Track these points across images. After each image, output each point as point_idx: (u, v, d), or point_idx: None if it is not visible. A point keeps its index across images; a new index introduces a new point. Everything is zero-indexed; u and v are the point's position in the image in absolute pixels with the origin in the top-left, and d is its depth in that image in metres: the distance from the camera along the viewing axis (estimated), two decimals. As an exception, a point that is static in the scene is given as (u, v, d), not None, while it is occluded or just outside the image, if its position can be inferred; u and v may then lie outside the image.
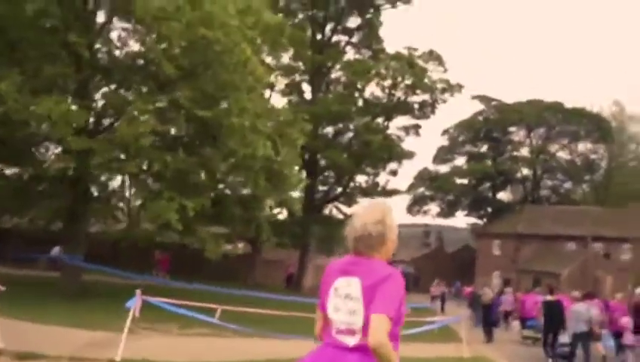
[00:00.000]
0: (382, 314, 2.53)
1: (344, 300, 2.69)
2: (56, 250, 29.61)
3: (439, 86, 29.88)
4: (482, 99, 60.12)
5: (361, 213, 2.87)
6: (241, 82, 14.69)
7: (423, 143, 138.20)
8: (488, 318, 19.06)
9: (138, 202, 15.90)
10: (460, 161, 62.49)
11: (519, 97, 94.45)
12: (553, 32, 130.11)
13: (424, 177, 62.32)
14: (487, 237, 54.96)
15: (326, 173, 35.64)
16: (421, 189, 62.77)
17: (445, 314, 27.56)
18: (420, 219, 69.87)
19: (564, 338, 14.39)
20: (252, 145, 14.19)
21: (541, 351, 14.23)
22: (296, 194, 36.13)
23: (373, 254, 2.74)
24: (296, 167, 16.88)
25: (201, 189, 14.82)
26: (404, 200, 62.97)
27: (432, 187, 61.75)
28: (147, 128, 13.11)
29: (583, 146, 60.53)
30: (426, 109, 32.09)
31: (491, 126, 60.12)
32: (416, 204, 62.80)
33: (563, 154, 61.90)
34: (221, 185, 17.51)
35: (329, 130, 34.98)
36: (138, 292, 9.10)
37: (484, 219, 61.26)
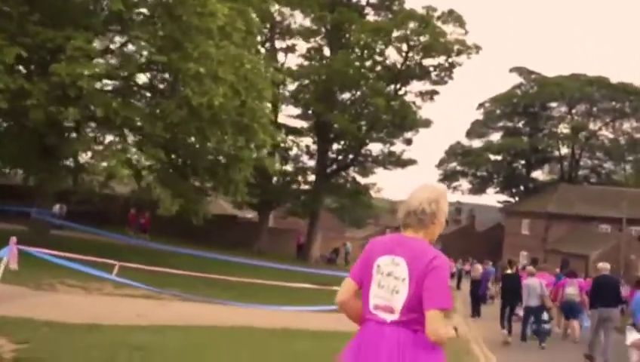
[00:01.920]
0: (436, 310, 2.60)
1: (387, 278, 2.75)
2: (57, 207, 29.63)
3: (455, 47, 27.98)
4: (521, 71, 57.29)
5: (418, 190, 2.90)
6: (201, 25, 13.64)
7: (458, 117, 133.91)
8: (475, 293, 18.37)
9: (87, 154, 15.17)
10: (495, 136, 60.06)
11: (561, 71, 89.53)
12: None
13: (456, 152, 60.22)
14: (516, 216, 52.83)
15: (340, 141, 34.38)
16: (452, 164, 60.70)
17: (459, 291, 26.74)
18: (450, 196, 67.75)
19: (546, 315, 13.62)
20: (209, 94, 13.19)
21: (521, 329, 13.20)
22: (308, 161, 35.21)
23: (420, 232, 2.80)
24: (264, 121, 15.69)
25: (157, 141, 13.95)
26: (434, 174, 61.10)
27: (463, 162, 59.59)
28: (90, 70, 12.26)
29: (627, 125, 57.20)
30: (443, 73, 30.29)
31: (529, 100, 57.29)
32: (447, 179, 60.73)
33: (606, 133, 58.77)
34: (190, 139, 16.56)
35: (346, 95, 33.66)
36: (12, 240, 8.24)
37: (517, 198, 58.82)
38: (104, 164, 13.00)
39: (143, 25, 15.46)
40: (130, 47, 16.43)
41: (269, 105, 17.07)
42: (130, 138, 17.63)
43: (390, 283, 2.73)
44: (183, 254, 20.60)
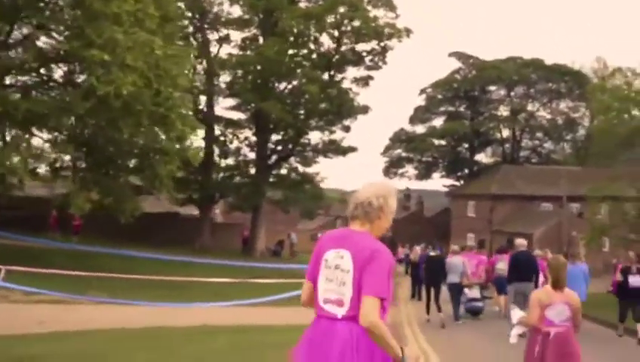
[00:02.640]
0: (372, 297, 2.64)
1: (334, 271, 2.80)
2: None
3: (386, 31, 27.73)
4: (459, 56, 57.88)
5: (367, 185, 2.99)
6: (107, 10, 12.77)
7: (401, 104, 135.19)
8: (415, 275, 18.25)
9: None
10: (438, 121, 60.55)
11: (498, 55, 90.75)
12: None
13: (400, 138, 60.44)
14: (461, 199, 53.42)
15: (279, 132, 33.78)
16: (397, 151, 60.90)
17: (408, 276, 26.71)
18: (397, 183, 68.16)
19: (474, 293, 13.76)
20: (116, 83, 12.37)
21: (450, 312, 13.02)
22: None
23: (366, 225, 2.87)
24: (186, 112, 14.96)
25: (70, 136, 13.01)
26: (380, 161, 61.28)
27: (408, 148, 59.87)
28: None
29: (564, 105, 58.57)
30: (376, 58, 30.04)
31: (469, 85, 57.96)
32: (393, 166, 61.04)
33: (544, 113, 60.04)
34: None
35: (282, 85, 33.03)
36: None
37: (462, 182, 59.52)
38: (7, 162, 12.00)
39: (52, 13, 14.49)
40: (43, 38, 15.46)
41: (189, 95, 16.24)
42: (45, 135, 16.64)
43: (337, 276, 2.78)
44: (113, 255, 19.74)
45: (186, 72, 18.13)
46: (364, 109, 32.26)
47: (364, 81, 31.69)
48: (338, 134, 34.19)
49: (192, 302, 12.97)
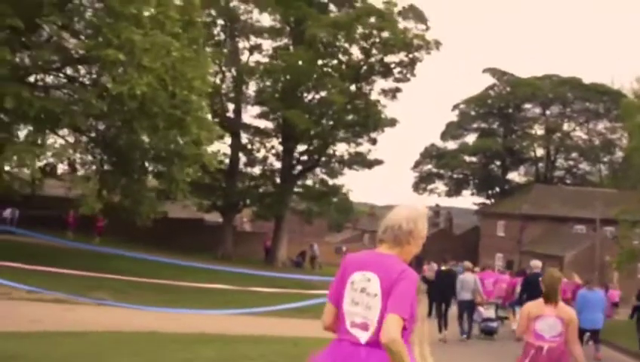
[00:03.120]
0: (395, 314, 2.60)
1: (360, 294, 2.75)
2: (7, 212, 28.52)
3: (415, 42, 27.32)
4: (494, 72, 56.92)
5: (398, 208, 2.95)
6: (125, 11, 12.76)
7: (432, 120, 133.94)
8: (429, 293, 17.63)
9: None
10: (470, 138, 59.52)
11: (534, 72, 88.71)
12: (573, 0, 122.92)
13: (431, 154, 59.67)
14: (491, 217, 52.32)
15: (305, 142, 33.57)
16: (428, 166, 60.12)
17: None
18: (427, 199, 67.31)
19: (490, 312, 13.46)
20: (130, 83, 12.30)
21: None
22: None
23: (395, 249, 2.83)
24: (200, 114, 14.80)
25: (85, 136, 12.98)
26: (409, 176, 60.59)
27: (439, 164, 59.03)
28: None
29: (601, 125, 56.99)
30: (404, 70, 29.62)
31: (503, 101, 56.94)
32: (422, 182, 60.23)
33: (580, 133, 58.55)
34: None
35: (310, 95, 32.90)
36: None
37: (493, 200, 58.34)
38: (15, 158, 12.01)
39: (75, 13, 14.58)
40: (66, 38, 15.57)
41: (206, 99, 16.11)
42: (67, 135, 16.74)
43: (364, 300, 2.74)
44: (131, 258, 19.68)
45: (209, 76, 18.00)
46: (392, 122, 31.85)
47: (392, 93, 31.34)
48: (365, 146, 33.87)
49: (193, 309, 12.73)
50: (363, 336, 2.71)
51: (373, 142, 32.66)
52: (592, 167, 58.88)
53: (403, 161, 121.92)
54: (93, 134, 16.88)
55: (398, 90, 31.39)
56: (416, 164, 60.30)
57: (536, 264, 12.17)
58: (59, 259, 15.56)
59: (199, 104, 14.88)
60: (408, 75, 29.91)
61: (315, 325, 12.38)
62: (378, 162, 33.23)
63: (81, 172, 17.16)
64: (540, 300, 5.63)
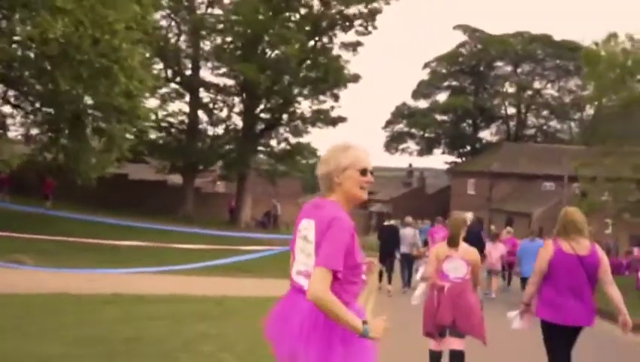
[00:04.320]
0: (322, 268, 2.49)
1: (303, 241, 2.74)
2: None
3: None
4: (465, 29, 56.01)
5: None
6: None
7: (404, 78, 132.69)
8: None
9: None
10: (442, 96, 58.96)
11: (505, 29, 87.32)
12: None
13: (402, 113, 59.02)
14: (462, 176, 52.14)
15: (267, 99, 32.60)
16: (399, 125, 59.54)
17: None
18: (399, 159, 66.99)
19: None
20: (42, 26, 11.27)
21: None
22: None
23: (329, 194, 2.74)
24: (131, 64, 13.75)
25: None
26: (381, 136, 60.06)
27: (410, 123, 58.47)
28: None
29: (572, 83, 56.66)
30: (366, 22, 28.61)
31: (474, 59, 56.24)
32: (394, 141, 59.72)
33: (551, 91, 58.24)
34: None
35: (270, 51, 31.78)
36: None
37: (463, 159, 58.15)
38: None
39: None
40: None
41: (139, 48, 15.04)
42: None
43: (305, 247, 2.70)
44: (82, 221, 18.79)
45: (150, 24, 16.86)
46: (355, 78, 30.94)
47: (353, 47, 30.38)
48: (328, 104, 33.00)
49: (112, 269, 12.05)
50: (305, 284, 2.61)
51: (336, 98, 31.83)
52: (563, 125, 58.81)
53: (375, 121, 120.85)
54: (23, 88, 15.80)
55: (359, 43, 30.45)
56: (387, 124, 59.71)
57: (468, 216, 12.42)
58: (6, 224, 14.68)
59: (130, 52, 13.88)
60: (369, 28, 28.94)
61: (245, 283, 11.76)
62: (341, 119, 32.41)
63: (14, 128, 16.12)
64: (445, 243, 5.95)
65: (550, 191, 46.48)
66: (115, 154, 16.26)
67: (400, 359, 6.61)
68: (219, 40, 31.70)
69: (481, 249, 11.41)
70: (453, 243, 5.83)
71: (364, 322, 2.48)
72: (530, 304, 5.46)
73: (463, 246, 5.84)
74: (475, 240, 11.37)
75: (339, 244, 2.53)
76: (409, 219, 14.57)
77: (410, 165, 65.54)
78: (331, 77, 29.20)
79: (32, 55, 12.94)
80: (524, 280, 12.46)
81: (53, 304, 8.18)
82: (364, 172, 2.69)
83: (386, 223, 14.68)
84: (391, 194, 58.92)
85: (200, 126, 34.17)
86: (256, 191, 40.88)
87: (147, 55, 17.25)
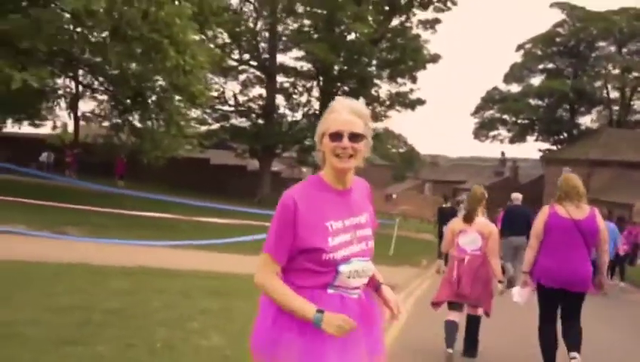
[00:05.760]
0: (263, 252, 2.43)
1: None
2: (44, 156, 28.92)
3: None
4: (563, 6, 52.23)
5: None
6: None
7: (496, 63, 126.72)
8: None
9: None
10: (536, 80, 55.48)
11: (608, 5, 80.00)
12: None
13: (494, 98, 56.29)
14: (556, 164, 48.80)
15: (345, 82, 31.97)
16: (490, 112, 56.83)
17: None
18: (489, 148, 64.17)
19: None
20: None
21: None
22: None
23: (319, 170, 2.58)
24: (183, 38, 13.53)
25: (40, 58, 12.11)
26: (471, 123, 57.67)
27: (502, 109, 55.59)
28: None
29: (685, 63, 51.50)
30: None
31: (573, 39, 52.43)
32: (484, 128, 57.12)
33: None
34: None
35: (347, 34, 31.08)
36: None
37: (559, 146, 54.60)
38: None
39: None
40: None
41: (193, 23, 14.84)
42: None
43: None
44: (147, 200, 19.14)
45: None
46: (434, 58, 29.58)
47: (431, 25, 28.98)
48: (408, 87, 31.87)
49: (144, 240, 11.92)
50: None
51: (414, 80, 30.60)
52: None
53: (465, 107, 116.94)
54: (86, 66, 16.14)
55: (437, 21, 29.01)
56: (477, 110, 57.18)
57: (516, 196, 12.43)
58: (69, 199, 15.11)
59: (183, 28, 13.69)
60: (449, 4, 27.45)
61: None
62: (420, 102, 31.14)
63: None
64: (460, 217, 6.33)
65: (654, 181, 42.63)
66: (173, 130, 16.20)
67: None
68: (295, 25, 31.41)
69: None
70: (468, 218, 6.15)
71: (319, 311, 2.28)
72: (530, 272, 5.54)
73: (480, 220, 6.14)
74: (524, 221, 11.01)
75: (272, 227, 2.39)
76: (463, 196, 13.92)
77: (503, 153, 62.81)
78: (409, 57, 28.05)
79: (86, 32, 13.03)
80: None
81: (53, 273, 8.00)
82: (336, 136, 2.35)
83: (444, 205, 15.31)
84: (482, 183, 56.73)
85: (279, 111, 34.20)
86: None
87: (219, 37, 16.99)
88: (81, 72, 17.39)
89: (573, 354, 5.24)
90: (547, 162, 51.49)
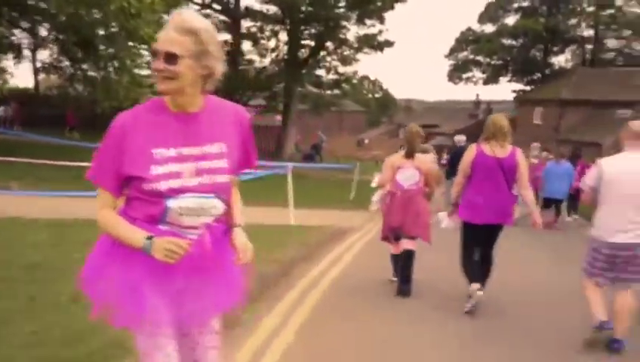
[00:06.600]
0: None
1: None
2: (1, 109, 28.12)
3: None
4: (537, -58, 51.22)
5: None
6: None
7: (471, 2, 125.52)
8: None
9: None
10: (511, 20, 54.82)
11: None
12: None
13: (467, 39, 55.65)
14: (528, 104, 48.94)
15: (311, 24, 31.13)
16: (464, 53, 56.30)
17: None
18: (467, 90, 63.98)
19: None
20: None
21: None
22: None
23: None
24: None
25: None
26: (445, 65, 57.25)
27: (475, 50, 55.09)
28: None
29: (661, -3, 51.02)
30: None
31: (547, -24, 51.61)
32: (458, 70, 56.72)
33: (636, 9, 52.72)
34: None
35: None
36: None
37: (532, 87, 54.49)
38: None
39: None
40: None
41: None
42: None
43: None
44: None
45: None
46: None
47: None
48: (377, 28, 31.13)
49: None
50: None
51: (382, 20, 29.92)
52: (647, 46, 53.55)
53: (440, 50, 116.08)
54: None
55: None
56: (451, 52, 56.62)
57: (459, 139, 12.96)
58: (18, 153, 14.61)
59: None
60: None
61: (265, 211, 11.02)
62: (388, 44, 30.54)
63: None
64: (401, 153, 6.43)
65: (624, 119, 42.78)
66: (126, 79, 15.65)
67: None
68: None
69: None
70: (408, 154, 6.33)
71: (149, 238, 2.14)
72: (457, 204, 5.89)
73: (419, 156, 6.38)
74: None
75: (97, 151, 2.24)
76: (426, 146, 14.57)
77: (478, 95, 62.73)
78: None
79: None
80: (545, 201, 13.38)
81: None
82: (153, 55, 2.18)
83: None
84: (455, 127, 56.63)
85: (246, 57, 33.37)
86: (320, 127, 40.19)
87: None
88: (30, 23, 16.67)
89: (476, 285, 5.70)
90: (520, 103, 51.49)
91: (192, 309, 2.34)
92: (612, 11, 51.63)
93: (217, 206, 2.33)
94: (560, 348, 5.01)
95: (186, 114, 2.27)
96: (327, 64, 33.69)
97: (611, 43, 54.40)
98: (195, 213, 2.26)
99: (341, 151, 39.44)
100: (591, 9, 52.05)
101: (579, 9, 52.10)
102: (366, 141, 43.85)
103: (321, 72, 34.23)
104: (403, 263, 6.32)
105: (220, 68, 2.39)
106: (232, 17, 31.13)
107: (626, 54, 53.74)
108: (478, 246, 5.85)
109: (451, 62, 56.71)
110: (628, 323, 4.85)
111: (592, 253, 4.96)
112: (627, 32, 52.56)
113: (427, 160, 6.52)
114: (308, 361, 4.45)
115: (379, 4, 28.63)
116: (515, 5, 54.33)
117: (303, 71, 31.57)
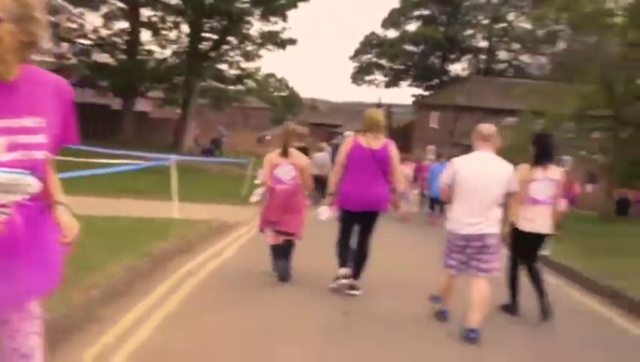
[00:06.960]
0: None
1: None
2: None
3: None
4: (439, -46, 53.37)
5: None
6: None
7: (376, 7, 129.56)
8: None
9: None
10: (413, 26, 56.77)
11: None
12: None
13: (371, 43, 56.97)
14: (426, 109, 50.94)
15: (215, 18, 30.60)
16: (367, 56, 57.60)
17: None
18: (372, 93, 65.49)
19: None
20: None
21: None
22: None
23: None
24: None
25: None
26: (349, 67, 58.29)
27: (379, 54, 56.54)
28: None
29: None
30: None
31: (448, -14, 53.90)
32: (362, 73, 57.94)
33: (525, 24, 56.23)
34: None
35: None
36: None
37: (431, 92, 56.73)
38: None
39: None
40: None
41: None
42: None
43: None
44: None
45: None
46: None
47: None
48: (280, 25, 31.10)
49: None
50: None
51: (284, 18, 29.95)
52: (534, 60, 57.26)
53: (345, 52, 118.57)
54: None
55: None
56: (356, 54, 57.75)
57: (348, 134, 13.43)
58: None
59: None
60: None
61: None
62: (291, 41, 30.61)
63: None
64: (278, 151, 6.61)
65: (509, 126, 45.57)
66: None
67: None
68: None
69: None
70: (283, 153, 6.55)
71: None
72: (334, 194, 6.21)
73: (294, 153, 6.59)
74: None
75: None
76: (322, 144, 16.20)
77: (380, 99, 64.29)
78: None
79: None
80: (432, 200, 14.71)
81: None
82: None
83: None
84: (358, 127, 57.72)
85: (145, 47, 32.19)
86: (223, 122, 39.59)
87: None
88: None
89: (345, 270, 6.17)
90: (418, 107, 53.38)
91: (4, 293, 2.14)
92: (504, 25, 54.79)
93: (33, 183, 2.14)
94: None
95: (4, 83, 2.07)
96: (230, 59, 33.32)
97: (503, 55, 57.74)
98: (5, 189, 2.07)
99: (242, 147, 39.18)
100: (486, 22, 54.98)
101: (474, 21, 54.81)
102: (267, 138, 43.78)
103: (223, 66, 33.82)
104: (283, 250, 6.69)
105: (45, 36, 2.19)
106: (131, 5, 29.92)
107: (515, 66, 57.22)
108: (354, 233, 6.22)
109: (355, 64, 57.84)
110: (484, 313, 5.07)
111: (448, 244, 5.34)
112: (516, 46, 55.98)
113: (302, 156, 6.70)
114: (162, 357, 4.27)
115: (282, 1, 28.60)
116: (417, 13, 56.25)
117: (205, 64, 30.97)
